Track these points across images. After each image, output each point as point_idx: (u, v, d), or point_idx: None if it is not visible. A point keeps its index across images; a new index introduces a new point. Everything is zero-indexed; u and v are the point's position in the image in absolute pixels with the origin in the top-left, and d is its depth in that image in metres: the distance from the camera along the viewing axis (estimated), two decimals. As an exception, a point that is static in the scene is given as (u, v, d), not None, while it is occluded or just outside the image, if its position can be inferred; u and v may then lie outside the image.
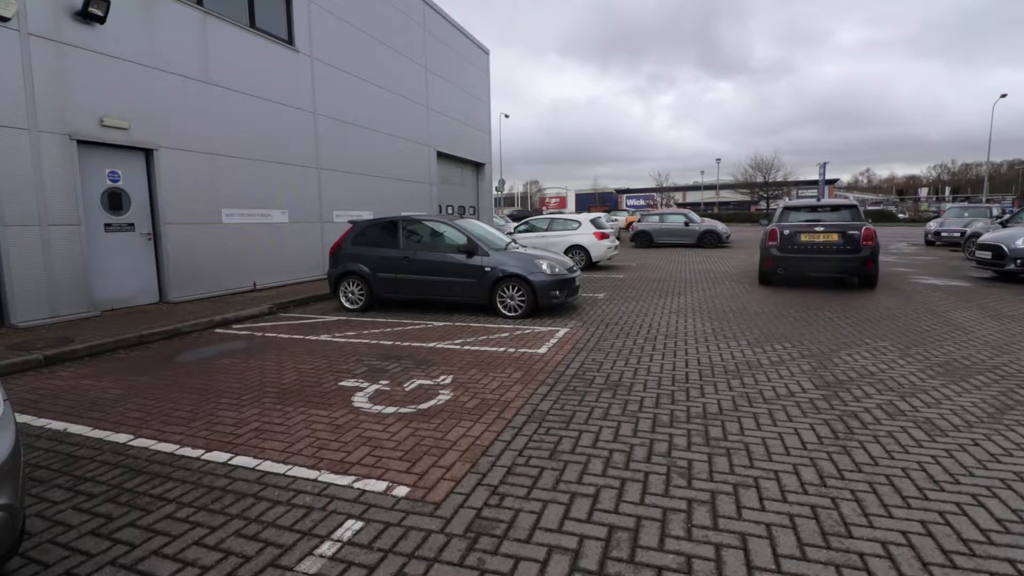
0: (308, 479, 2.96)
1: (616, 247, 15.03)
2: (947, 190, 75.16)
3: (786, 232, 9.82)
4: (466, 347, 5.90)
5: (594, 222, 14.17)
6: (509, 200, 65.40)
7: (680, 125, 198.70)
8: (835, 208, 10.39)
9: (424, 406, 4.05)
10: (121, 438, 3.59)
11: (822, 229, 9.59)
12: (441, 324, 7.22)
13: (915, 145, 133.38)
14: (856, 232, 9.33)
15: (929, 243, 20.70)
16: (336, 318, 7.91)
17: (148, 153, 8.40)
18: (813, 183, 58.26)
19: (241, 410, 4.05)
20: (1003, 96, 37.24)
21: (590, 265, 13.59)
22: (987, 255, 10.55)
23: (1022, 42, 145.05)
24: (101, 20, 7.40)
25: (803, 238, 9.66)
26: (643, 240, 21.89)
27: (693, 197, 70.37)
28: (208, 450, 3.36)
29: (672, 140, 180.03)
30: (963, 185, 77.96)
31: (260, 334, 6.87)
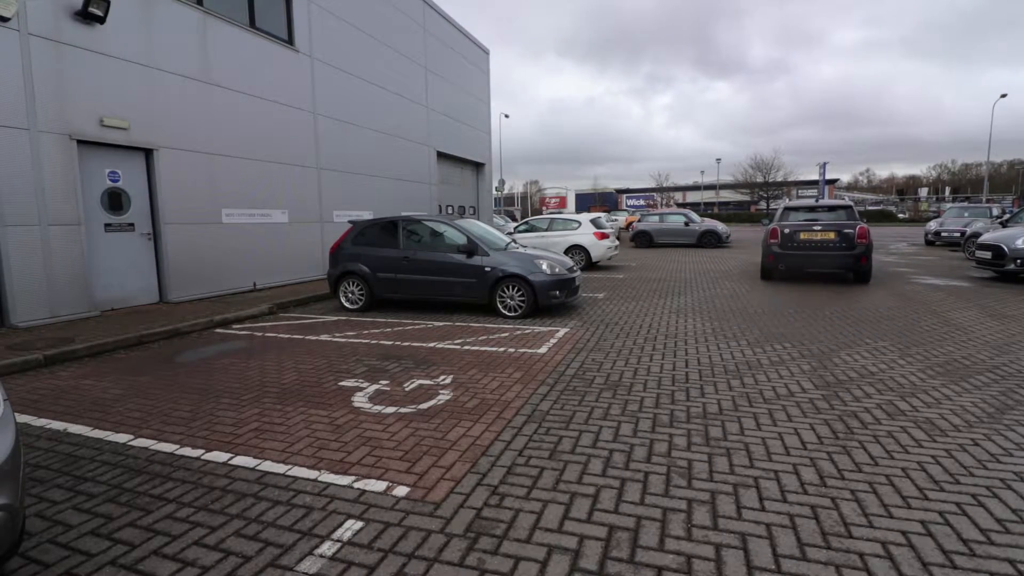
0: (308, 479, 2.96)
1: (616, 247, 15.03)
2: (947, 190, 75.12)
3: (787, 231, 10.55)
4: (466, 347, 5.90)
5: (594, 222, 14.17)
6: (509, 200, 65.30)
7: (679, 125, 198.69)
8: (831, 208, 11.06)
9: (424, 406, 4.05)
10: (121, 438, 3.59)
11: (820, 228, 10.34)
12: (441, 324, 7.22)
13: (915, 145, 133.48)
14: (851, 231, 10.06)
15: (929, 243, 20.70)
16: (336, 318, 7.91)
17: (148, 153, 8.40)
18: (813, 183, 58.26)
19: (241, 410, 4.05)
20: (1003, 96, 37.32)
21: (590, 265, 13.59)
22: (987, 255, 10.56)
23: (1021, 42, 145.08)
24: (101, 20, 7.40)
25: (802, 236, 10.40)
26: (643, 240, 21.90)
27: (693, 197, 70.35)
28: (208, 450, 3.36)
29: (671, 140, 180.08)
30: (963, 185, 77.96)
31: (260, 334, 6.87)
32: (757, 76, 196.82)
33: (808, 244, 10.36)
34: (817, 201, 12.05)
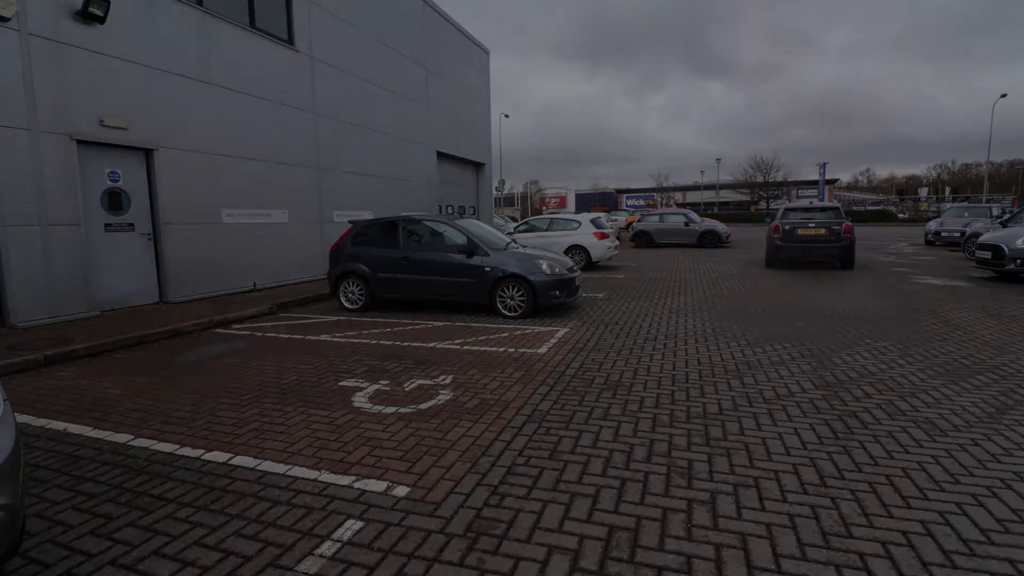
0: (308, 479, 2.96)
1: (616, 247, 15.03)
2: (947, 190, 75.10)
3: (787, 227, 13.06)
4: (466, 347, 5.90)
5: (594, 222, 14.17)
6: (509, 200, 65.26)
7: (679, 125, 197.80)
8: (823, 209, 13.57)
9: (424, 406, 4.05)
10: (121, 438, 3.59)
11: (814, 225, 12.91)
12: (441, 324, 7.22)
13: (915, 145, 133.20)
14: (838, 227, 12.68)
15: (929, 243, 20.69)
16: (336, 318, 7.91)
17: (148, 153, 8.40)
18: (813, 183, 58.27)
19: (241, 410, 4.05)
20: (1003, 96, 37.32)
21: (590, 265, 13.59)
22: (987, 255, 10.55)
23: (1020, 42, 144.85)
24: (101, 20, 7.40)
25: (800, 232, 12.93)
26: (643, 240, 21.90)
27: (693, 197, 70.32)
28: (208, 450, 3.36)
29: (671, 140, 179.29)
30: (963, 185, 77.90)
31: (260, 334, 6.87)
32: (756, 77, 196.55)
33: (804, 238, 12.85)
34: (811, 203, 14.67)
